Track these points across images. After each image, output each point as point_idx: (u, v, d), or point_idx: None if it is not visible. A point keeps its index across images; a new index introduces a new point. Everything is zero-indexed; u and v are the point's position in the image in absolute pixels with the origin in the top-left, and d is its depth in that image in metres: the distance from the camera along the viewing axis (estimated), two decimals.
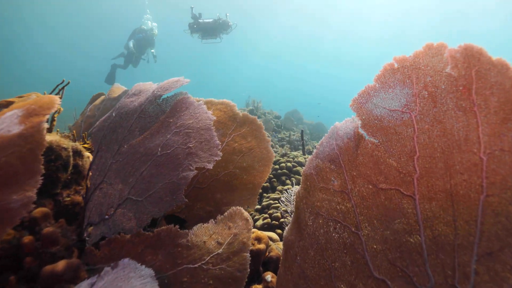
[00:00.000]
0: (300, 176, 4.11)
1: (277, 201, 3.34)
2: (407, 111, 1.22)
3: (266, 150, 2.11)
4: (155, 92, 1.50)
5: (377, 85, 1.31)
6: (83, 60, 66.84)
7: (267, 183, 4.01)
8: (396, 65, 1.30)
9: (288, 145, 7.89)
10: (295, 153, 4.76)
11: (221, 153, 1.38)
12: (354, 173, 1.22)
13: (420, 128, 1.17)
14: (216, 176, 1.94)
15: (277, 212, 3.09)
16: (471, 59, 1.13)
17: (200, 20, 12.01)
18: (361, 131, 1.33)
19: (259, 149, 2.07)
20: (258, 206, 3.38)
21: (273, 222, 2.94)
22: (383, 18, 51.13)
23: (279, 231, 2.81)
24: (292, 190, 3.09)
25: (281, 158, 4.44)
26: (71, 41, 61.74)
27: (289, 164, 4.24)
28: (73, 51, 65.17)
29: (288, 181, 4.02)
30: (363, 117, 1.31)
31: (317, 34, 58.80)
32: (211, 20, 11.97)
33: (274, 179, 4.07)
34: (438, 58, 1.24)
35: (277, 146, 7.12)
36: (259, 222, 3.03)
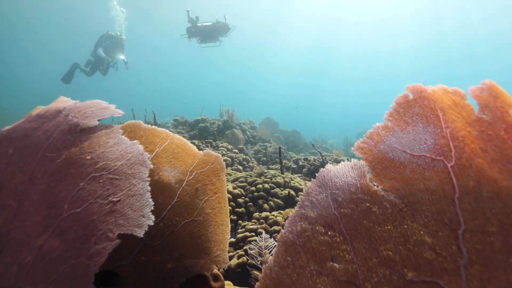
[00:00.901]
0: (279, 199, 3.72)
1: (254, 233, 2.92)
2: (438, 157, 0.84)
3: (225, 199, 1.70)
4: (70, 119, 1.04)
5: (389, 123, 0.93)
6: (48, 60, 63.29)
7: (243, 208, 3.58)
8: (411, 96, 0.94)
9: (265, 158, 7.51)
10: (272, 171, 4.37)
11: (153, 217, 0.95)
12: (367, 253, 0.82)
13: (463, 186, 0.79)
14: (175, 228, 1.49)
15: (254, 249, 2.66)
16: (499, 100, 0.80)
17: (199, 24, 11.63)
18: (371, 183, 0.94)
19: (222, 195, 1.65)
20: (233, 239, 2.94)
21: (250, 261, 2.51)
22: (357, 34, 52.70)
23: (256, 272, 2.39)
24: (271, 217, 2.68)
25: (258, 179, 4.03)
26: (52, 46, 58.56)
27: (266, 185, 3.84)
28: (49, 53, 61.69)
29: (265, 205, 3.61)
30: (374, 163, 0.93)
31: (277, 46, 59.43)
32: (210, 23, 11.63)
33: (251, 203, 3.65)
34: (458, 94, 0.91)
35: (253, 160, 6.71)
36: (234, 261, 2.59)
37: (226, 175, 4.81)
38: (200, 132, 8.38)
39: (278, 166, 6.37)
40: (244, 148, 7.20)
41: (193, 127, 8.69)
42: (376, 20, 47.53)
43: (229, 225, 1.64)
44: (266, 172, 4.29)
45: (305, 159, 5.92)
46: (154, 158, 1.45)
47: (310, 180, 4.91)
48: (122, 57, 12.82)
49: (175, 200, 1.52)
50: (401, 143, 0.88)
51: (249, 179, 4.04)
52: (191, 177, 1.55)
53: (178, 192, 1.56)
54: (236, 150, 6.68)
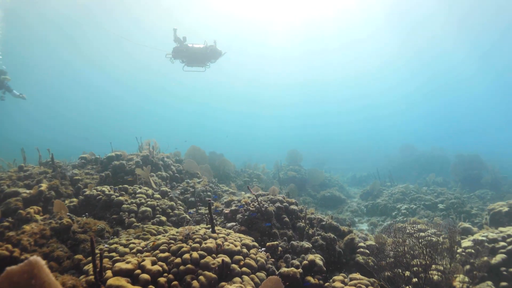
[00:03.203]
0: (211, 271, 2.99)
1: None
2: None
3: None
4: None
5: None
6: None
7: None
8: None
9: (193, 198, 6.68)
10: (201, 230, 3.61)
11: None
12: None
13: None
14: None
15: None
16: None
17: (189, 45, 10.63)
18: None
19: None
20: None
21: None
22: (287, 68, 55.72)
23: None
24: None
25: (184, 245, 3.25)
26: None
27: (195, 254, 3.08)
28: None
29: (195, 283, 2.84)
30: None
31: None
32: (201, 45, 10.70)
33: (176, 282, 2.85)
34: None
35: (180, 206, 5.84)
36: None
37: (142, 239, 3.90)
38: (115, 172, 7.18)
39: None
40: (169, 191, 6.28)
41: (105, 166, 7.43)
42: (303, 53, 51.00)
43: None
44: (194, 233, 3.52)
45: (238, 201, 5.30)
46: None
47: (246, 231, 4.28)
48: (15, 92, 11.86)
49: None
50: None
51: (173, 247, 3.23)
52: None
53: None
54: (158, 195, 5.73)
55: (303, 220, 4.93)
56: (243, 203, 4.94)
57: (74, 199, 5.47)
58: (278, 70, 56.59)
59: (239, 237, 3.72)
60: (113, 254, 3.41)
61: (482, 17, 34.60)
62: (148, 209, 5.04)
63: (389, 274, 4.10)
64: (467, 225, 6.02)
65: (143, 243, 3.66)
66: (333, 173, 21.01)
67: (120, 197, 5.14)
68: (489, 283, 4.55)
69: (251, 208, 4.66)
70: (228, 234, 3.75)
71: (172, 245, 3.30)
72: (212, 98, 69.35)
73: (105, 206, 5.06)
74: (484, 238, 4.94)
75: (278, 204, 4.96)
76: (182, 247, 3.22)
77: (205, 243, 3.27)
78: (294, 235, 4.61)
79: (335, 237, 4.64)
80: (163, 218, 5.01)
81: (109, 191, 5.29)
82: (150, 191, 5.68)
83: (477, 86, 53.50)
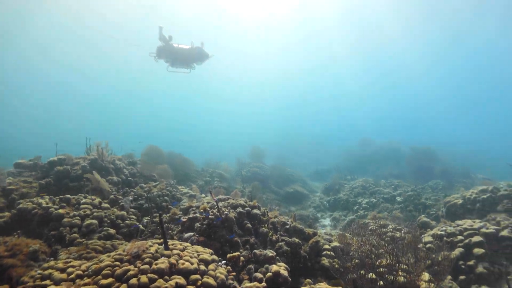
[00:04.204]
0: None
1: None
2: None
3: None
4: None
5: None
6: None
7: None
8: None
9: (147, 204, 6.16)
10: (153, 247, 3.18)
11: None
12: None
13: None
14: None
15: None
16: None
17: (175, 45, 9.96)
18: None
19: None
20: None
21: None
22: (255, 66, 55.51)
23: None
24: None
25: (131, 267, 2.82)
26: None
27: (144, 278, 2.68)
28: None
29: None
30: None
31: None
32: (188, 46, 10.14)
33: None
34: None
35: (131, 214, 5.32)
36: None
37: (86, 258, 3.41)
38: (58, 179, 6.43)
39: (166, 214, 5.17)
40: (120, 198, 5.72)
41: (46, 173, 6.63)
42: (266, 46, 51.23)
43: None
44: (144, 251, 3.10)
45: (197, 207, 4.92)
46: None
47: (205, 242, 3.91)
48: None
49: None
50: None
51: (118, 270, 2.79)
52: None
53: None
54: (106, 205, 5.16)
55: (266, 225, 4.67)
56: (202, 210, 4.57)
57: (6, 213, 4.76)
58: (242, 65, 56.48)
59: (196, 252, 3.36)
60: (47, 282, 2.90)
61: (435, 18, 37.34)
62: (94, 221, 4.49)
63: (354, 276, 3.98)
64: (425, 219, 6.15)
65: (85, 265, 3.16)
66: (296, 168, 21.16)
67: (60, 210, 4.53)
68: (449, 277, 4.62)
69: (210, 216, 4.30)
70: (184, 249, 3.37)
71: (117, 268, 2.85)
72: (168, 92, 67.15)
73: (42, 221, 4.43)
74: (443, 232, 5.03)
75: (239, 209, 4.65)
76: (129, 270, 2.79)
77: (156, 264, 2.87)
78: (257, 242, 4.33)
79: (300, 241, 4.44)
80: (112, 231, 4.48)
81: (47, 204, 4.64)
82: (96, 200, 5.10)
83: (428, 82, 57.38)
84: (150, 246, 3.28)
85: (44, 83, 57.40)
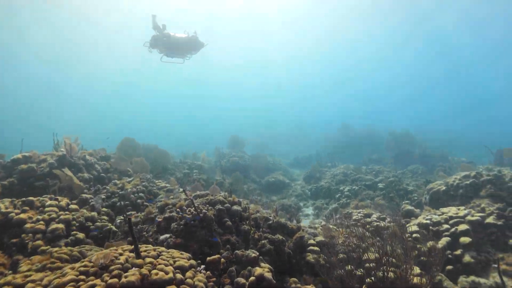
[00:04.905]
0: None
1: None
2: None
3: None
4: None
5: None
6: None
7: None
8: None
9: (121, 203, 5.81)
10: (123, 255, 2.89)
11: None
12: None
13: None
14: None
15: None
16: None
17: (171, 34, 9.71)
18: None
19: None
20: None
21: None
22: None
23: None
24: None
25: (98, 282, 2.54)
26: None
27: None
28: None
29: None
30: None
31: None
32: (184, 35, 9.93)
33: None
34: None
35: (103, 214, 4.97)
36: None
37: (50, 269, 3.09)
38: (22, 179, 5.94)
39: (141, 213, 4.86)
40: (90, 198, 5.34)
41: (9, 172, 6.12)
42: (243, 33, 50.11)
43: None
44: (113, 260, 2.81)
45: (173, 205, 4.64)
46: None
47: (183, 244, 3.66)
48: None
49: None
50: None
51: (83, 286, 2.50)
52: None
53: None
54: (75, 206, 4.79)
55: (247, 222, 4.47)
56: (178, 209, 4.30)
57: None
58: (222, 49, 55.31)
59: (172, 258, 3.10)
60: None
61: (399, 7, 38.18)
62: (60, 225, 4.13)
63: (341, 272, 3.85)
64: (409, 207, 6.15)
65: (47, 279, 2.85)
66: (276, 156, 21.09)
67: (22, 215, 4.13)
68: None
69: (187, 215, 4.04)
70: (158, 255, 3.11)
71: (82, 283, 2.56)
72: (143, 79, 64.87)
73: (1, 228, 4.03)
74: (428, 221, 5.00)
75: (219, 206, 4.41)
76: (95, 285, 2.51)
77: (126, 276, 2.60)
78: (239, 241, 4.13)
79: (283, 238, 4.27)
80: (81, 235, 4.15)
81: (6, 208, 4.23)
82: (64, 202, 4.71)
83: (396, 67, 58.66)
84: (120, 254, 2.99)
85: (20, 77, 54.44)
